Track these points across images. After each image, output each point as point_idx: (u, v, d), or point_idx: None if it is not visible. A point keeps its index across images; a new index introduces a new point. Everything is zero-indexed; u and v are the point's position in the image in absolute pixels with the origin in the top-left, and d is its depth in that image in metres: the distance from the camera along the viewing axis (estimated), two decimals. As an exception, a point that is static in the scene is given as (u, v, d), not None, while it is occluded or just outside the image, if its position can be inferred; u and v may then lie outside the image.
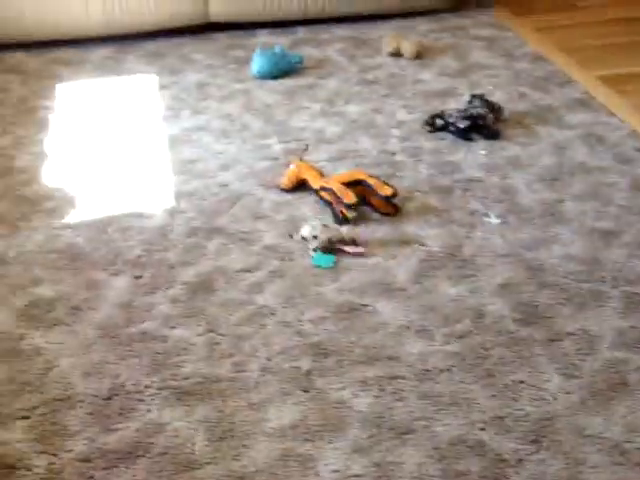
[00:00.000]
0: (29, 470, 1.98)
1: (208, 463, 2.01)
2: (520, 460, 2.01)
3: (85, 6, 4.26)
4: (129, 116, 3.68)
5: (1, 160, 3.32)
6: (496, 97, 3.71)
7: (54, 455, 2.02)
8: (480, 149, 3.38)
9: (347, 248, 2.75)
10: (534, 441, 2.06)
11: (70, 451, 2.03)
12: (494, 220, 2.92)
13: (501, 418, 2.13)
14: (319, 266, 2.71)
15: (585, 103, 3.71)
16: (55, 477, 1.95)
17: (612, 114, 3.62)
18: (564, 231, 2.85)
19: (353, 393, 2.22)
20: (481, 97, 3.54)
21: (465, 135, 3.44)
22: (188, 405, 2.18)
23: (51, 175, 3.23)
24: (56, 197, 3.08)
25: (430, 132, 3.51)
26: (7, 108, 3.75)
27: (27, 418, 2.13)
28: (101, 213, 2.97)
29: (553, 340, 2.38)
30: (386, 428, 2.11)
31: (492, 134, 3.44)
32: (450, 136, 3.47)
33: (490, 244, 2.80)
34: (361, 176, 3.05)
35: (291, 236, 2.81)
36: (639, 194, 3.06)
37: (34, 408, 2.16)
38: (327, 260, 2.73)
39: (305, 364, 2.32)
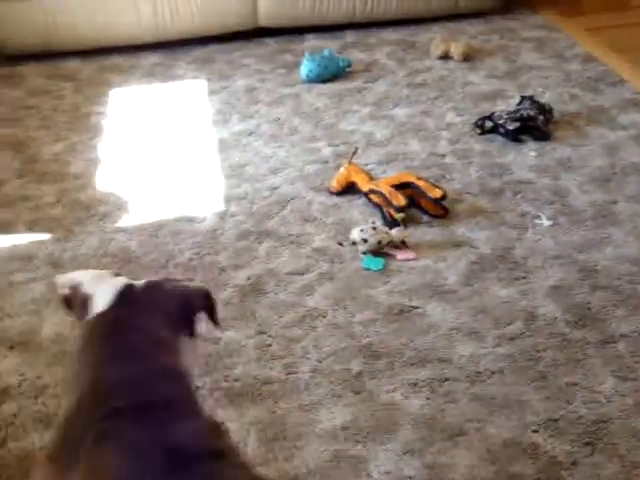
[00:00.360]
0: None
1: (260, 464, 2.02)
2: (574, 463, 1.99)
3: (136, 13, 4.32)
4: (179, 121, 3.72)
5: (56, 166, 3.38)
6: (546, 98, 3.68)
7: None
8: (530, 151, 3.35)
9: (397, 254, 2.75)
10: (588, 443, 2.04)
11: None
12: (545, 222, 2.90)
13: (555, 420, 2.11)
14: (369, 269, 2.71)
15: (637, 103, 3.67)
16: None
17: (665, 114, 3.57)
18: (617, 232, 2.82)
19: (404, 395, 2.22)
20: (531, 98, 3.52)
21: (515, 137, 3.41)
22: (240, 406, 2.20)
23: (105, 180, 3.28)
24: (109, 202, 3.13)
25: (479, 134, 3.49)
26: (61, 115, 3.81)
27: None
28: (153, 217, 3.01)
29: (607, 342, 2.35)
30: (438, 430, 2.10)
31: (542, 136, 3.42)
32: (500, 138, 3.45)
33: (541, 246, 2.78)
34: (410, 178, 3.05)
35: (341, 244, 2.80)
36: (694, 195, 3.02)
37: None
38: (377, 263, 2.74)
39: (356, 366, 2.32)
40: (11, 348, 2.40)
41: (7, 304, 2.59)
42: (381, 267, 2.73)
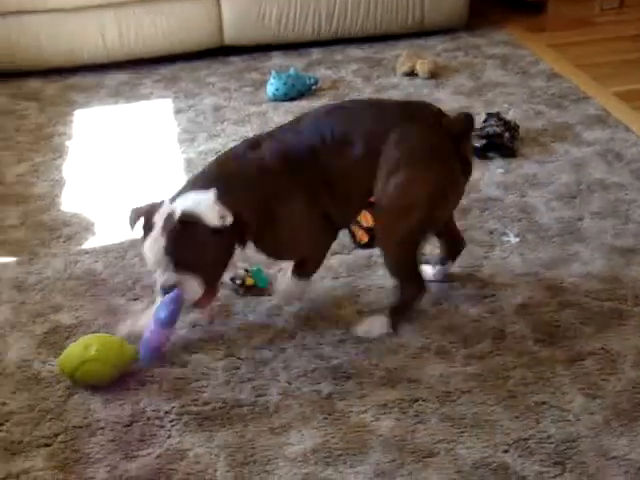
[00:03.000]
0: (51, 499, 1.98)
1: (230, 489, 2.00)
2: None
3: (101, 33, 4.30)
4: (145, 141, 3.70)
5: (19, 187, 3.34)
6: (512, 115, 3.71)
7: (76, 483, 2.02)
8: (497, 168, 3.37)
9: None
10: (558, 463, 2.04)
11: (91, 479, 2.03)
12: (513, 239, 2.91)
13: (524, 440, 2.11)
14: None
15: (602, 119, 3.70)
16: (77, 505, 1.95)
17: (629, 130, 3.60)
18: (583, 249, 2.83)
19: (374, 416, 2.20)
20: (497, 115, 3.54)
21: (482, 154, 3.43)
22: (209, 430, 2.18)
23: (69, 201, 3.25)
24: (74, 223, 3.09)
25: (446, 151, 3.50)
26: (25, 135, 3.77)
27: (48, 446, 2.13)
28: (119, 238, 2.98)
29: (575, 360, 2.36)
30: (408, 451, 2.09)
31: (509, 152, 3.44)
32: (467, 155, 3.46)
33: (509, 263, 2.79)
34: (378, 197, 3.04)
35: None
36: (658, 210, 3.04)
37: (55, 435, 2.16)
38: (263, 281, 2.73)
39: (325, 387, 2.31)
40: (-26, 376, 2.36)
41: (-31, 332, 2.55)
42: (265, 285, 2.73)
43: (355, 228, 2.94)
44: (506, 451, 2.08)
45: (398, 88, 4.12)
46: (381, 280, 2.73)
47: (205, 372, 2.37)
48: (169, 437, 2.16)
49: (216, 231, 2.20)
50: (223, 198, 2.22)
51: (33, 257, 2.90)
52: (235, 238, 2.28)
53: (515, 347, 2.42)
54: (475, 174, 3.29)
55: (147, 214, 2.28)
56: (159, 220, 2.23)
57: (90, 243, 2.98)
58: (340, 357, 2.42)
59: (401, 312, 2.52)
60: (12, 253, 2.92)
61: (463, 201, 3.11)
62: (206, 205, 2.20)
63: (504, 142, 3.43)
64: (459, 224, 2.98)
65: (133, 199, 3.24)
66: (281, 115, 3.87)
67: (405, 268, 2.45)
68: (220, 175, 2.32)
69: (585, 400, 2.22)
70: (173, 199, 2.28)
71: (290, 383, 2.33)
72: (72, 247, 2.95)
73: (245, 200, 2.27)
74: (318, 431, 2.16)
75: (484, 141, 3.42)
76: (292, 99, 4.01)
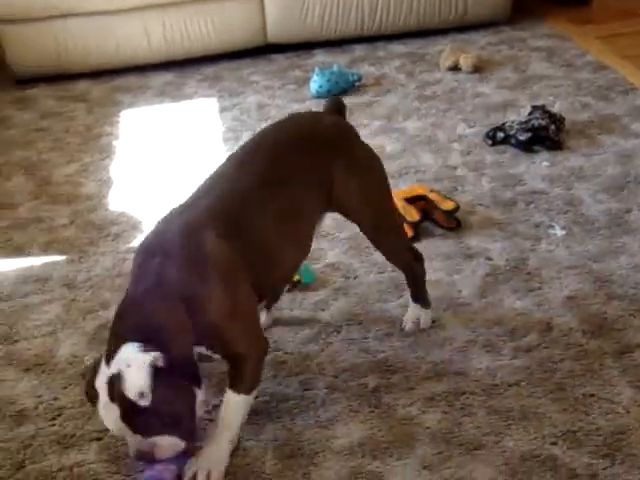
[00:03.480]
0: (103, 491, 2.01)
1: (278, 482, 2.02)
2: (594, 475, 1.97)
3: (146, 34, 4.35)
4: (191, 140, 3.74)
5: (68, 187, 3.40)
6: (557, 108, 3.68)
7: (127, 475, 2.05)
8: (542, 161, 3.34)
9: None
10: (607, 455, 2.02)
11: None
12: (559, 232, 2.89)
13: (573, 432, 2.09)
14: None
15: (649, 110, 3.66)
16: (128, 497, 1.98)
17: (677, 121, 3.56)
18: (631, 241, 2.80)
19: (421, 409, 2.21)
20: (542, 108, 3.51)
21: (527, 147, 3.41)
22: (257, 424, 2.19)
23: (117, 200, 3.29)
24: (122, 222, 3.14)
25: (491, 145, 3.49)
26: (73, 136, 3.83)
27: (100, 440, 2.17)
28: (166, 236, 3.01)
29: (624, 352, 2.34)
30: (455, 444, 2.09)
31: (554, 145, 3.41)
32: (511, 149, 3.44)
33: (556, 256, 2.77)
34: (422, 191, 3.05)
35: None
36: None
37: (106, 430, 2.19)
38: (309, 276, 2.74)
39: (372, 381, 2.31)
40: (27, 370, 2.41)
41: (22, 326, 2.60)
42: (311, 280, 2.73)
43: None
44: (554, 443, 2.07)
45: (442, 83, 4.11)
46: (427, 274, 2.72)
47: (252, 367, 2.39)
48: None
49: (161, 383, 1.83)
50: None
51: (82, 255, 2.94)
52: (186, 379, 1.91)
53: (562, 340, 2.40)
54: (520, 167, 3.30)
55: (89, 381, 1.93)
56: (101, 387, 1.87)
57: (137, 241, 3.00)
58: (386, 351, 2.42)
59: (424, 289, 2.50)
60: (62, 252, 2.97)
61: (508, 194, 3.13)
62: (132, 372, 1.83)
63: (549, 135, 3.41)
64: (505, 217, 2.98)
65: (179, 197, 3.27)
66: (325, 112, 3.87)
67: (404, 243, 2.43)
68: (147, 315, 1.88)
69: (634, 392, 2.20)
70: (108, 356, 1.88)
71: (336, 377, 2.34)
72: (120, 245, 2.99)
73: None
74: (365, 424, 2.17)
75: (529, 134, 3.40)
76: (335, 96, 4.01)
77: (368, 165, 2.29)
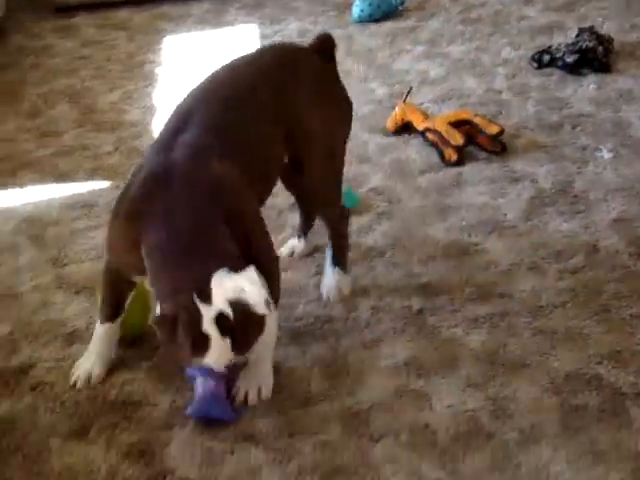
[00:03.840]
0: (154, 406, 2.05)
1: (323, 400, 2.04)
2: (639, 394, 1.98)
3: (186, -40, 4.30)
4: (233, 66, 3.71)
5: (112, 114, 3.42)
6: (606, 29, 3.59)
7: (176, 393, 2.09)
8: (590, 83, 3.28)
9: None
10: (653, 374, 2.03)
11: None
12: (606, 154, 2.85)
13: (618, 352, 2.09)
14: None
15: (700, 31, 3.56)
16: (178, 414, 2.02)
17: None
18: (680, 163, 2.76)
19: (465, 330, 2.22)
20: (590, 30, 3.44)
21: (574, 69, 3.35)
22: (302, 344, 2.22)
23: (160, 127, 3.29)
24: (166, 148, 3.14)
25: (537, 68, 3.43)
26: (115, 64, 3.84)
27: (149, 359, 2.21)
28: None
29: (671, 273, 2.32)
30: (499, 364, 2.10)
31: (602, 67, 3.34)
32: (558, 71, 3.38)
33: (602, 179, 2.73)
34: (467, 116, 3.02)
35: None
36: None
37: (155, 349, 2.22)
38: (353, 200, 2.71)
39: (416, 303, 2.32)
40: (77, 293, 2.45)
41: (71, 251, 2.64)
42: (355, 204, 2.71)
43: (444, 147, 2.92)
44: (599, 363, 2.07)
45: (486, 6, 4.03)
46: (470, 198, 2.72)
47: (297, 290, 2.41)
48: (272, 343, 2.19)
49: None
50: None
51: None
52: None
53: (609, 261, 2.39)
54: (567, 90, 3.25)
55: (191, 329, 1.80)
56: (210, 327, 1.80)
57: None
58: (430, 274, 2.43)
59: (346, 252, 2.41)
60: (108, 178, 2.99)
61: (554, 117, 3.08)
62: (253, 289, 1.82)
63: (597, 57, 3.34)
64: (551, 141, 2.94)
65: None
66: (367, 37, 3.84)
67: (339, 198, 2.36)
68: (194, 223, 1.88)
69: (681, 312, 2.19)
70: (200, 290, 1.80)
71: (381, 299, 2.35)
72: (165, 171, 3.01)
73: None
74: (409, 345, 2.19)
75: (576, 56, 3.34)
76: (377, 20, 3.97)
77: (335, 104, 2.26)
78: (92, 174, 3.03)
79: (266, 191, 2.18)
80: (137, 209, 1.91)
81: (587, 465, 1.81)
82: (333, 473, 1.84)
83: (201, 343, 1.80)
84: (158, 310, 1.84)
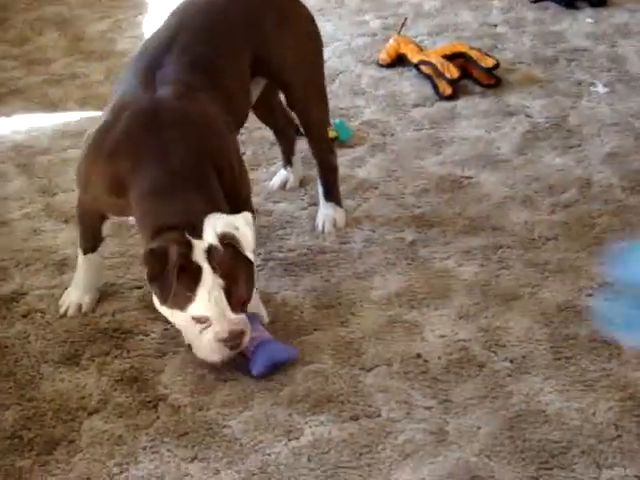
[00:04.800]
0: (146, 335, 2.06)
1: (317, 329, 2.05)
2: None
3: None
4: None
5: (102, 44, 3.37)
6: (603, -38, 3.54)
7: (168, 322, 2.08)
8: (586, 17, 3.26)
9: None
10: (644, 306, 2.03)
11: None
12: (601, 89, 2.83)
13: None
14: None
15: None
16: (170, 342, 2.02)
17: None
18: (676, 97, 2.75)
19: (457, 262, 2.22)
20: (587, -38, 3.39)
21: (570, 3, 3.31)
22: (295, 275, 2.22)
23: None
24: (157, 78, 3.11)
25: (532, 2, 3.39)
26: (105, -8, 3.77)
27: (140, 288, 2.20)
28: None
29: (663, 207, 2.32)
30: (492, 295, 2.11)
31: (598, 1, 3.30)
32: (554, 5, 3.35)
33: (597, 113, 2.72)
34: (462, 49, 2.98)
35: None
36: None
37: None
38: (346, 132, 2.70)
39: (409, 235, 2.32)
40: (67, 221, 2.43)
41: (61, 180, 2.61)
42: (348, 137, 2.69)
43: (438, 80, 2.89)
44: (591, 295, 2.08)
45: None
46: (464, 131, 2.71)
47: (289, 220, 2.40)
48: (256, 280, 2.20)
49: None
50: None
51: (118, 112, 2.93)
52: None
53: (602, 195, 2.39)
54: (562, 24, 3.21)
55: (181, 256, 1.76)
56: (200, 257, 1.77)
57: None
58: (423, 206, 2.42)
59: (337, 185, 2.39)
60: (98, 107, 2.91)
61: (549, 52, 3.05)
62: (247, 229, 1.82)
63: (594, -10, 3.30)
64: (546, 75, 2.92)
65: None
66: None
67: (326, 130, 2.38)
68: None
69: (673, 245, 2.19)
70: (192, 227, 1.78)
71: (374, 231, 2.34)
72: (156, 101, 2.97)
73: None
74: (402, 276, 2.19)
75: (573, -11, 3.30)
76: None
77: (304, 28, 2.23)
78: (82, 103, 2.99)
79: (242, 121, 2.17)
80: (124, 148, 1.88)
81: (577, 394, 1.83)
82: (325, 401, 1.85)
83: (193, 275, 1.76)
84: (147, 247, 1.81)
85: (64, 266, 2.28)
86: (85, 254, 2.13)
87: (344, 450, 1.74)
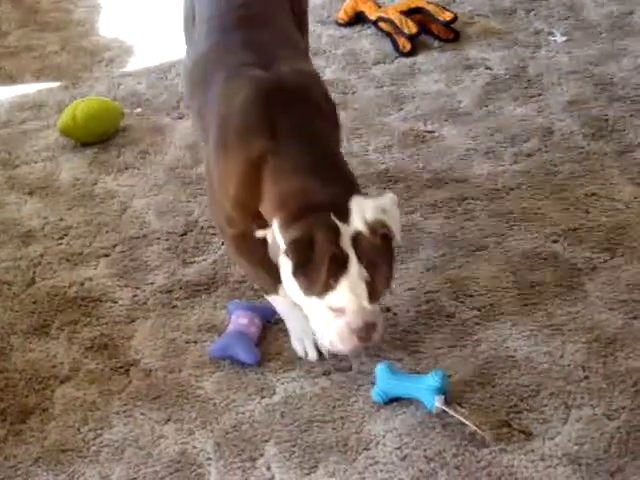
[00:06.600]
0: (115, 302, 2.05)
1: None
2: (594, 268, 2.02)
3: None
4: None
5: (58, 14, 3.32)
6: None
7: (137, 288, 2.08)
8: (542, -33, 3.25)
9: None
10: (608, 249, 2.06)
11: (151, 284, 2.09)
12: (559, 38, 2.84)
13: (574, 230, 2.12)
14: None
15: None
16: (140, 308, 2.02)
17: None
18: (633, 43, 2.77)
19: (423, 216, 2.23)
20: None
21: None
22: (261, 236, 2.22)
23: (108, 26, 3.22)
24: (114, 47, 3.08)
25: (489, -46, 3.37)
26: (57, -38, 3.71)
27: (107, 256, 2.19)
28: (160, 59, 2.97)
29: (625, 152, 2.35)
30: (458, 247, 2.12)
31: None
32: (510, -44, 3.33)
33: (556, 62, 2.73)
34: (419, 3, 2.97)
35: None
36: None
37: (113, 246, 2.22)
38: None
39: (374, 191, 2.31)
40: (30, 194, 2.41)
41: (22, 152, 2.58)
42: None
43: (398, 36, 2.89)
44: (556, 241, 2.10)
45: None
46: (425, 86, 2.71)
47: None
48: (223, 245, 2.19)
49: None
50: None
51: (76, 81, 2.90)
52: None
53: (563, 143, 2.40)
54: (519, -26, 3.20)
55: (331, 243, 1.64)
56: (347, 245, 1.64)
57: (132, 65, 2.97)
58: (387, 162, 2.42)
59: None
60: (55, 78, 2.92)
61: (507, 3, 3.06)
62: (394, 210, 1.71)
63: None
64: (504, 26, 2.92)
65: (172, 19, 3.19)
66: None
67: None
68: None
69: (635, 189, 2.22)
70: (337, 209, 1.66)
71: (339, 189, 2.34)
72: (114, 70, 2.95)
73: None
74: (368, 232, 2.19)
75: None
76: None
77: None
78: (39, 74, 2.95)
79: None
80: (254, 132, 1.73)
81: (544, 338, 1.85)
82: (296, 358, 1.86)
83: (339, 263, 1.63)
84: (285, 238, 1.67)
85: (30, 237, 2.26)
86: (276, 294, 1.89)
87: (317, 404, 1.76)
